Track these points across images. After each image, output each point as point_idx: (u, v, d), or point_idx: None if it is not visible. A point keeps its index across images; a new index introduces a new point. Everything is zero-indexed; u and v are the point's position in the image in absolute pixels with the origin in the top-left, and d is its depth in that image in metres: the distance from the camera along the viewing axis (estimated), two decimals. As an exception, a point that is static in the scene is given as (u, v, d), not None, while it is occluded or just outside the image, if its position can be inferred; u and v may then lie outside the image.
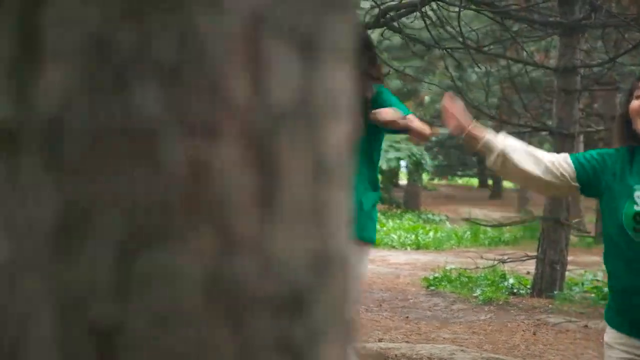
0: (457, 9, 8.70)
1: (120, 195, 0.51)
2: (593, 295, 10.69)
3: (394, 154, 19.70)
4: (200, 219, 0.52)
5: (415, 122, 3.63)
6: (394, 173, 25.13)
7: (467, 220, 16.10)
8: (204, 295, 0.52)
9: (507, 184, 31.58)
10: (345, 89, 0.57)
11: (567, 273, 11.18)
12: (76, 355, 0.52)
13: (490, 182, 31.93)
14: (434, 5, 8.84)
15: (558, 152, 3.45)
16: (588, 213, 19.39)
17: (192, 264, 0.52)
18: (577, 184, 3.20)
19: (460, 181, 37.60)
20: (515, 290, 10.99)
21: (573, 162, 3.21)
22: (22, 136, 0.53)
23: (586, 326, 8.82)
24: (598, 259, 15.03)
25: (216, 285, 0.52)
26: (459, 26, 8.70)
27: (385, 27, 9.25)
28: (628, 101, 3.12)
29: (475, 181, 35.70)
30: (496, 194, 30.61)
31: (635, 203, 3.01)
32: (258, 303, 0.53)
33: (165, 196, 0.51)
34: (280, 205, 0.54)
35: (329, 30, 0.56)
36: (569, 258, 11.31)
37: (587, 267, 13.42)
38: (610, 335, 3.24)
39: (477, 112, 10.05)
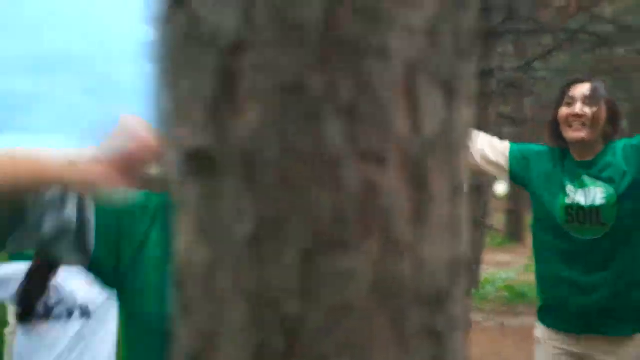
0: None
1: (306, 209, 0.62)
2: (507, 294, 11.03)
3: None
4: (370, 229, 0.63)
5: None
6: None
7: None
8: (371, 292, 0.63)
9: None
10: (470, 124, 0.69)
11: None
12: (268, 344, 0.63)
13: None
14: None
15: None
16: (497, 213, 19.87)
17: (362, 266, 0.63)
18: (507, 171, 3.43)
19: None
20: (432, 289, 11.25)
21: (510, 152, 3.44)
22: (221, 162, 0.63)
23: (502, 324, 9.09)
24: (509, 258, 15.45)
25: (381, 284, 0.63)
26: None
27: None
28: (558, 106, 3.31)
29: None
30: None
31: (567, 195, 3.20)
32: (412, 298, 0.65)
33: (343, 211, 0.62)
34: (430, 218, 0.65)
35: (461, 75, 0.68)
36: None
37: (499, 266, 13.77)
38: (540, 330, 3.43)
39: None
